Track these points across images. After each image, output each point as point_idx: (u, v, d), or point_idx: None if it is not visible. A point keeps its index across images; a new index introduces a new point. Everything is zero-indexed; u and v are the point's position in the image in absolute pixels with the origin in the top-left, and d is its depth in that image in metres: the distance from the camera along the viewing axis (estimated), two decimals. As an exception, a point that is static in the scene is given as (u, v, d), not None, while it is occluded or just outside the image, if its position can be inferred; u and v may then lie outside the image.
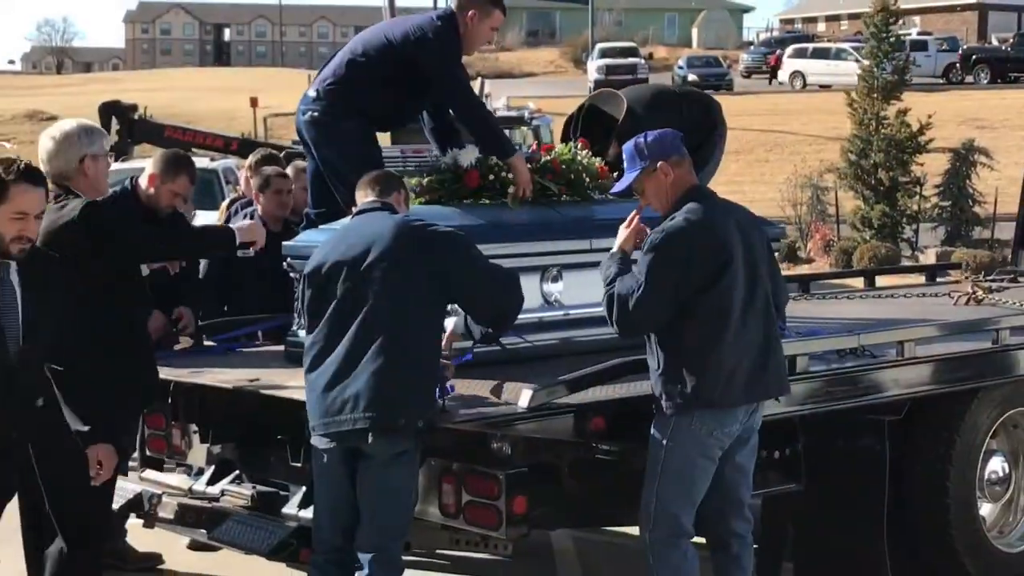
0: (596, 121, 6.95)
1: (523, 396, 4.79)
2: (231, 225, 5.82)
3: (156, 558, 6.71)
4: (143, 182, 6.23)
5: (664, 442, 4.82)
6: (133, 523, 6.34)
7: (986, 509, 6.49)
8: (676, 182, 4.93)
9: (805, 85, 48.01)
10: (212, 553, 6.56)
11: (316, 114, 6.18)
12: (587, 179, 6.31)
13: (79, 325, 4.94)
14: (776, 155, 38.26)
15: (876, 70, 21.31)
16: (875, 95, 21.25)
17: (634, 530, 6.26)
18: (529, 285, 5.91)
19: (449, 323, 5.10)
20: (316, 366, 4.74)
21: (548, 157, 6.30)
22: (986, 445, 6.35)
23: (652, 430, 4.87)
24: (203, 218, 9.31)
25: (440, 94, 6.25)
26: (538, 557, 6.89)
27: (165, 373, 5.78)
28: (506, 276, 4.97)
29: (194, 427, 5.94)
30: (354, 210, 5.10)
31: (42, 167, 5.15)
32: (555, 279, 6.02)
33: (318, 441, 4.75)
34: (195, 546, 6.74)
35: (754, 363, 4.83)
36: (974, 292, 7.88)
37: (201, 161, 21.02)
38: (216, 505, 5.58)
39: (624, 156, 5.07)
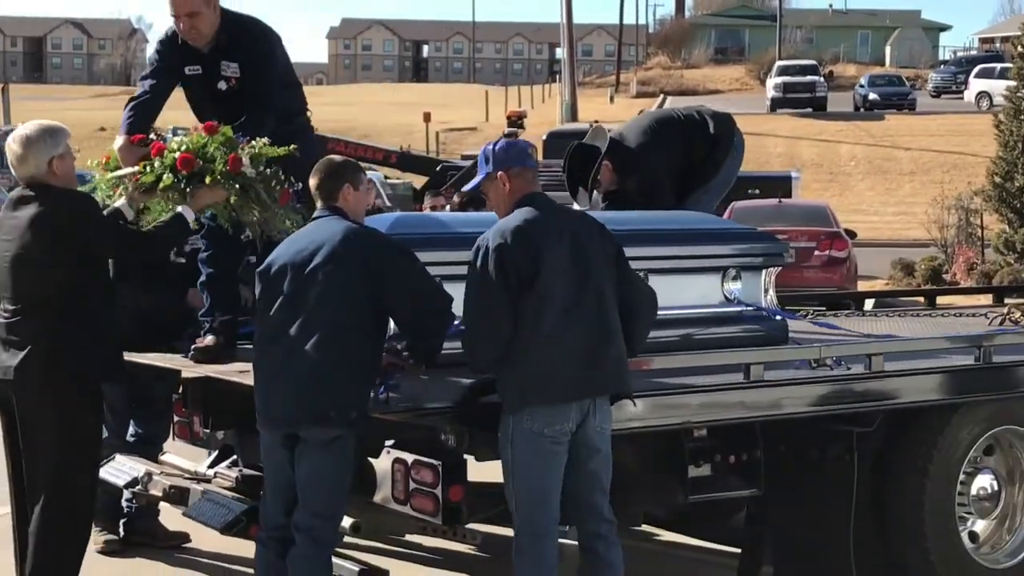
0: (586, 157, 7.36)
1: (457, 392, 5.12)
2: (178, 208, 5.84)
3: (184, 537, 7.20)
4: None
5: (505, 443, 5.03)
6: (165, 504, 6.86)
7: (980, 525, 6.56)
8: (514, 191, 5.17)
9: (992, 105, 46.88)
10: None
11: None
12: (219, 174, 5.69)
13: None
14: (953, 176, 37.54)
15: (1023, 91, 20.89)
16: (1022, 117, 20.82)
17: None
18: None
19: None
20: (261, 358, 5.16)
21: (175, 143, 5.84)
22: (974, 461, 6.42)
23: (498, 431, 5.08)
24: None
25: None
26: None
27: (176, 363, 6.27)
28: (440, 295, 5.17)
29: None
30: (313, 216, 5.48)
31: (12, 172, 5.61)
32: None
33: (261, 428, 5.17)
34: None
35: (581, 362, 4.96)
36: (1009, 314, 7.90)
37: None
38: (195, 485, 6.04)
39: (478, 160, 5.35)
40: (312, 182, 5.43)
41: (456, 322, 5.18)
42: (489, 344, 4.99)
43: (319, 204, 5.39)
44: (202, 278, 6.25)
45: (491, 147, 5.29)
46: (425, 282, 5.18)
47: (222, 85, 6.29)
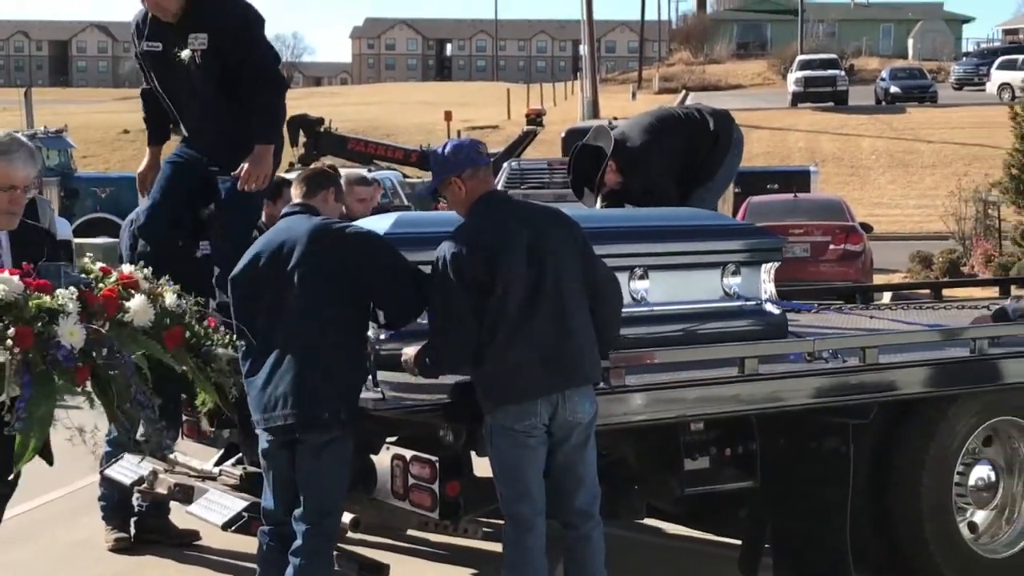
0: (590, 158, 7.43)
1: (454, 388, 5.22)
2: None
3: (194, 535, 7.32)
4: None
5: (486, 439, 5.11)
6: (176, 504, 6.97)
7: (979, 516, 6.62)
8: (471, 192, 5.22)
9: (1014, 97, 46.69)
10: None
11: None
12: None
13: None
14: (975, 168, 37.42)
15: (1039, 82, 20.87)
16: (1038, 109, 20.80)
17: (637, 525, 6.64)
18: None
19: None
20: (254, 371, 5.18)
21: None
22: (972, 452, 6.49)
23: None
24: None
25: None
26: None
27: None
28: (416, 280, 5.25)
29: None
30: (281, 213, 5.57)
31: None
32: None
33: (260, 433, 5.26)
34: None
35: (545, 357, 5.02)
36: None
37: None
38: (200, 483, 6.15)
39: (430, 163, 5.39)
40: (300, 176, 5.55)
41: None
42: (457, 350, 5.07)
43: (295, 199, 5.48)
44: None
45: (440, 151, 5.33)
46: (402, 265, 5.26)
47: (186, 54, 6.20)
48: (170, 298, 4.50)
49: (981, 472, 6.58)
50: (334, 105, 51.46)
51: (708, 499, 6.26)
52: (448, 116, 37.96)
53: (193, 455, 6.81)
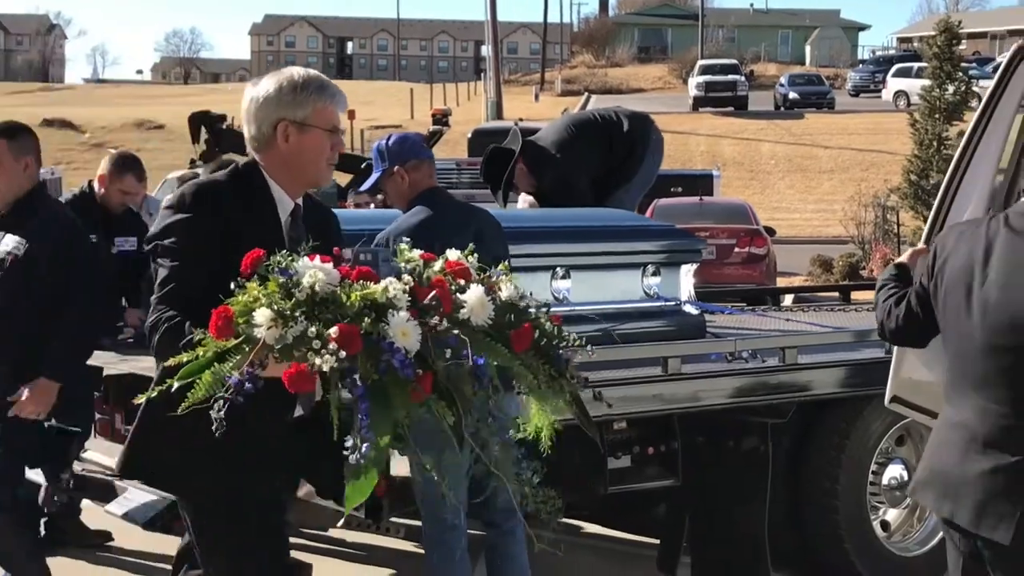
0: (504, 160, 7.48)
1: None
2: None
3: (106, 535, 7.19)
4: (96, 183, 6.84)
5: (411, 441, 5.10)
6: (87, 503, 6.85)
7: (891, 514, 6.75)
8: (413, 184, 5.25)
9: (909, 104, 47.64)
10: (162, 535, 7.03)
11: None
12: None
13: None
14: (871, 174, 38.17)
15: (938, 91, 21.34)
16: (937, 116, 21.25)
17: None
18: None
19: None
20: None
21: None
22: (885, 451, 6.61)
23: None
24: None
25: None
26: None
27: (100, 360, 6.27)
28: None
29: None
30: None
31: None
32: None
33: None
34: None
35: None
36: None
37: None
38: (118, 482, 6.05)
39: (372, 158, 5.40)
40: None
41: None
42: None
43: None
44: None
45: (384, 143, 5.32)
46: None
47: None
48: (508, 289, 3.51)
49: (894, 471, 6.70)
50: (234, 102, 50.28)
51: (628, 498, 6.30)
52: (351, 115, 37.60)
53: (107, 453, 6.72)
